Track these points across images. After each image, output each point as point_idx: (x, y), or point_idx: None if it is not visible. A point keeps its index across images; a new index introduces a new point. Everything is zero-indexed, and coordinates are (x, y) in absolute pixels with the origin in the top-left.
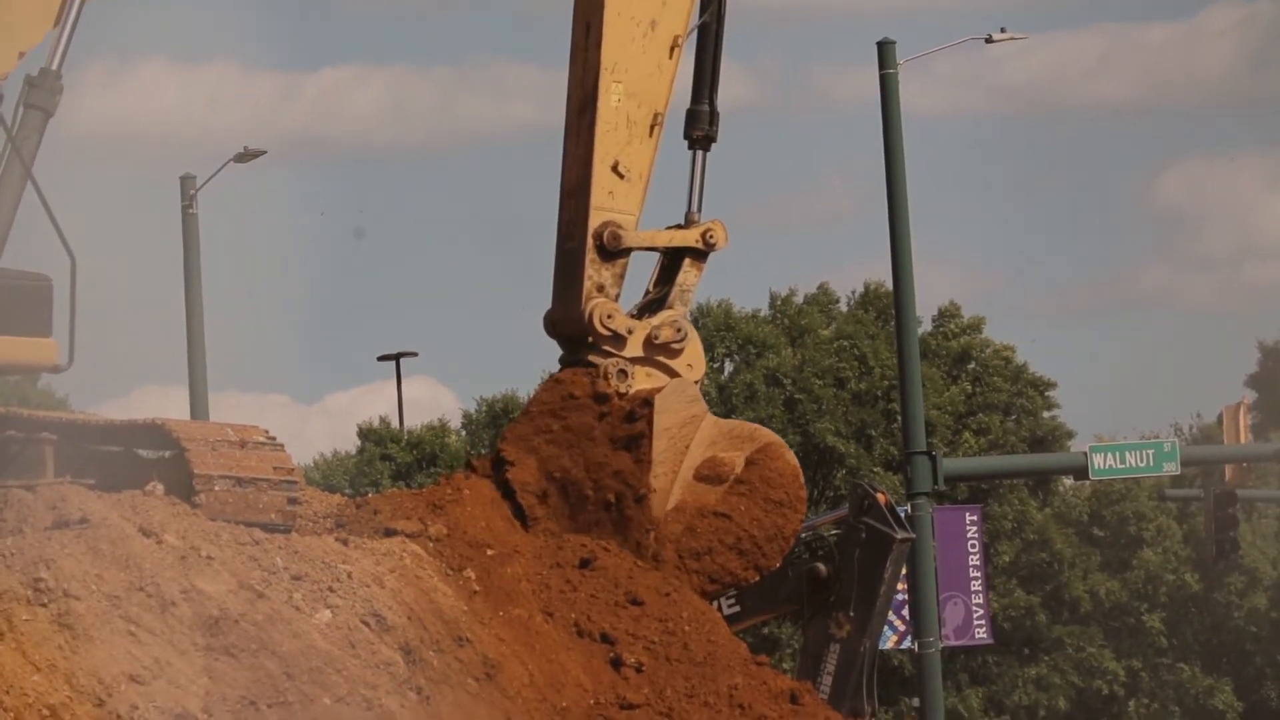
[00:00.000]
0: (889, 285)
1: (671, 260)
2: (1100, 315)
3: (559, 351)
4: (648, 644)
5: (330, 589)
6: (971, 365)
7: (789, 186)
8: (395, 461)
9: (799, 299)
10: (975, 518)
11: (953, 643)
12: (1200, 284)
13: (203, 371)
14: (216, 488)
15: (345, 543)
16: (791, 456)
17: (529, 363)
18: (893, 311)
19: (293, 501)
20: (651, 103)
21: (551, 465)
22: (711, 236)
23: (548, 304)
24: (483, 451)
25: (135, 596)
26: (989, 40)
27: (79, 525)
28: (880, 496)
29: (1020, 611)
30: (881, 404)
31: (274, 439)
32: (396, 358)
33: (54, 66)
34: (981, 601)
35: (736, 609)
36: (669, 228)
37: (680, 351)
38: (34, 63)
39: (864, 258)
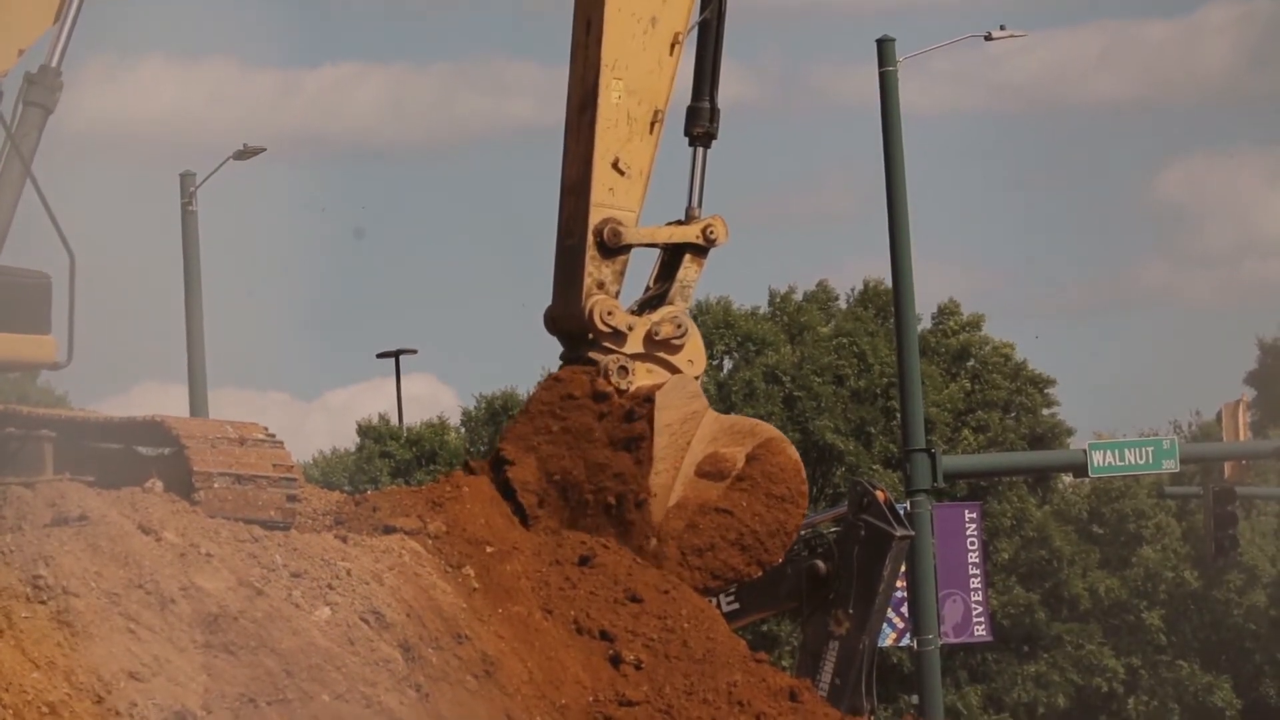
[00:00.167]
0: (888, 283)
1: (672, 256)
2: (1100, 312)
3: (559, 349)
4: (647, 641)
5: (329, 586)
6: (971, 363)
7: (789, 184)
8: (394, 459)
9: (798, 296)
10: (974, 515)
11: (952, 640)
12: (1200, 281)
13: (202, 368)
14: (216, 485)
15: (344, 540)
16: (793, 451)
17: (528, 360)
18: (892, 309)
19: (292, 499)
20: (652, 99)
21: (552, 466)
22: (712, 232)
23: (548, 301)
24: (482, 449)
25: (134, 594)
26: (988, 38)
27: (78, 522)
28: (879, 494)
29: (1019, 609)
30: (881, 401)
31: (273, 436)
32: (396, 355)
33: (54, 63)
34: (981, 599)
35: (735, 606)
36: (669, 224)
37: (681, 347)
38: (34, 60)
39: (863, 255)
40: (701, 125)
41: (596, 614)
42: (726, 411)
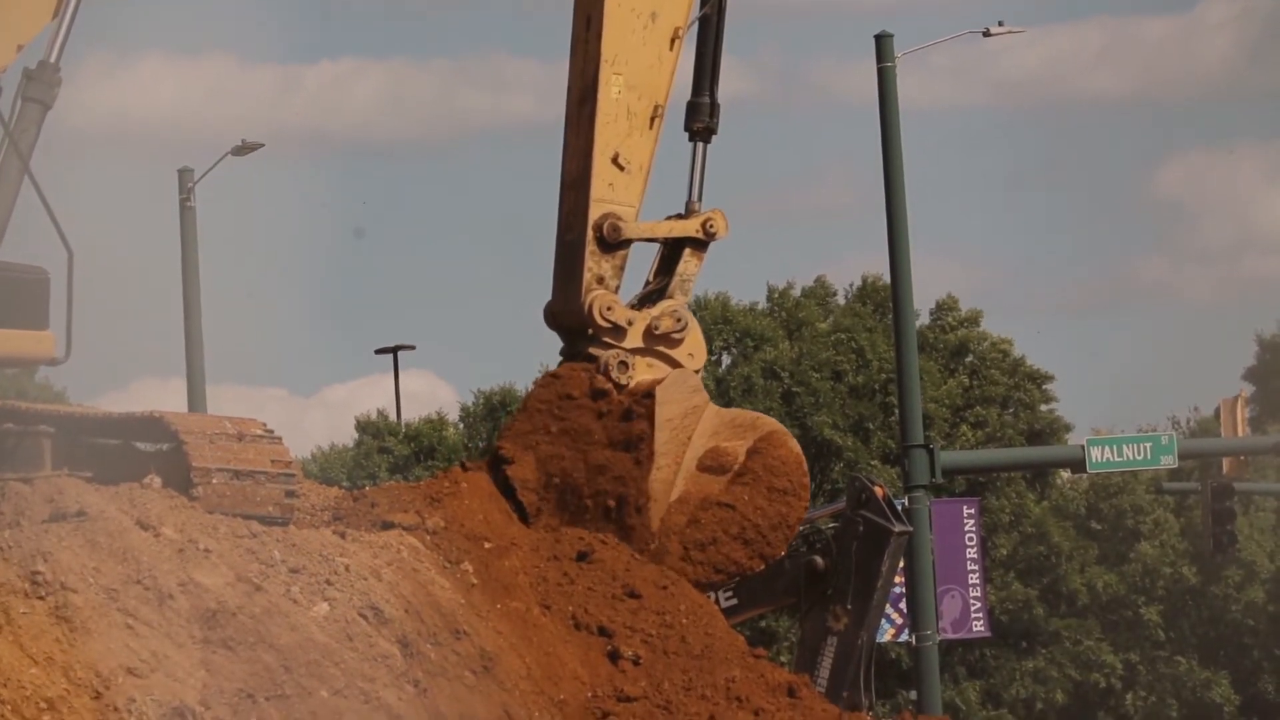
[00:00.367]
0: (887, 278)
1: (672, 250)
2: (1098, 308)
3: (556, 344)
4: (645, 637)
5: (328, 582)
6: (969, 358)
7: (788, 180)
8: (393, 454)
9: (796, 292)
10: (973, 511)
11: (950, 636)
12: (1199, 277)
13: (200, 364)
14: (214, 480)
15: (343, 535)
16: (794, 444)
17: (527, 356)
18: (890, 304)
19: (290, 494)
20: (652, 95)
21: (551, 467)
22: (712, 226)
23: (547, 296)
24: (480, 445)
25: (133, 589)
26: (987, 34)
27: (76, 518)
28: (878, 489)
29: (1018, 604)
30: (879, 397)
31: (271, 432)
32: (394, 350)
33: (52, 59)
34: (979, 594)
35: (734, 602)
36: (669, 218)
37: (681, 341)
38: (32, 56)
39: (862, 251)
40: (701, 120)
41: (595, 609)
42: (725, 407)
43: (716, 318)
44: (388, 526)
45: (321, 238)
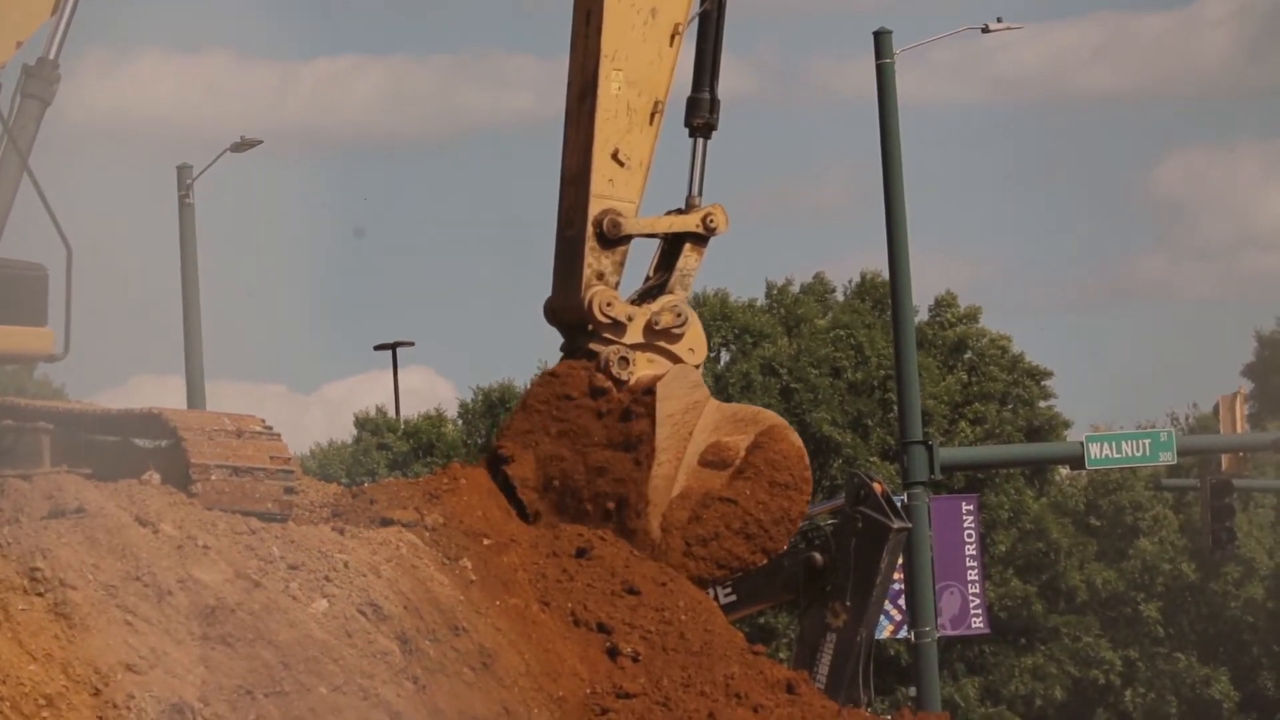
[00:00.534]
0: (885, 275)
1: (672, 246)
2: (1097, 305)
3: (556, 341)
4: (644, 633)
5: (327, 578)
6: (968, 355)
7: (787, 177)
8: (392, 451)
9: (795, 288)
10: (971, 507)
11: (949, 632)
12: (1198, 274)
13: (199, 361)
14: (213, 477)
15: (342, 532)
16: (795, 438)
17: (526, 352)
18: (889, 301)
19: (289, 491)
20: (652, 90)
21: (551, 467)
22: (712, 221)
23: (546, 293)
24: (479, 441)
25: (132, 586)
26: (986, 30)
27: (75, 514)
28: (876, 486)
29: (1016, 601)
30: (878, 393)
31: (270, 428)
32: (393, 347)
33: (51, 56)
34: (978, 591)
35: (733, 598)
36: (669, 213)
37: (681, 336)
38: (32, 52)
39: (861, 247)
40: (701, 116)
41: (594, 606)
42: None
43: (715, 314)
44: (387, 523)
45: (321, 234)
